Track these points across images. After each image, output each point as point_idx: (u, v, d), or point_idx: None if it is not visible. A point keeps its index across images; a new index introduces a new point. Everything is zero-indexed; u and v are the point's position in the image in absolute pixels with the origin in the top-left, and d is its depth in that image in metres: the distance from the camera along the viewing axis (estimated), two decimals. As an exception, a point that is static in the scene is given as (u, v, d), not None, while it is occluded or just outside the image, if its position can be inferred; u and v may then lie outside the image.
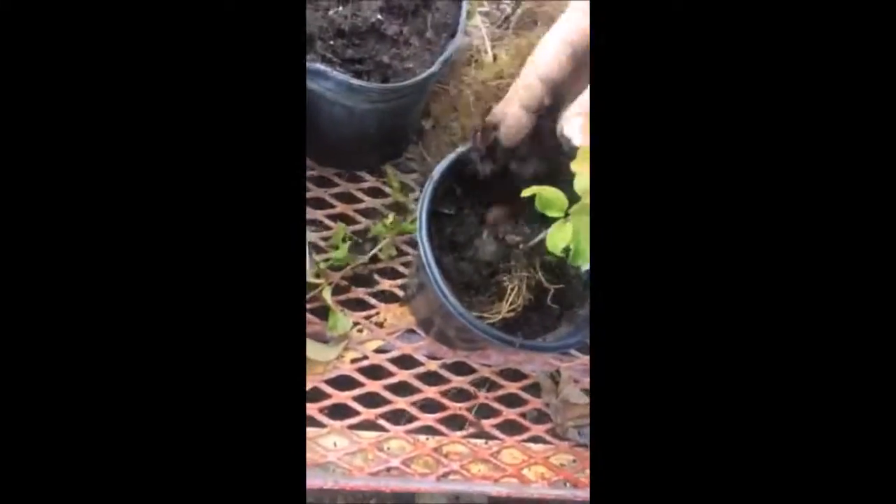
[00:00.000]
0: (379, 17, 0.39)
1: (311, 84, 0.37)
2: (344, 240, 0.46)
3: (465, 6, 0.42)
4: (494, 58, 0.52)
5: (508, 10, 0.61)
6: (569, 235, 0.31)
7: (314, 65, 0.36)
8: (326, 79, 0.37)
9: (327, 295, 0.44)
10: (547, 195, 0.31)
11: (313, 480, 0.40)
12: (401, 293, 0.48)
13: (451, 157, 0.36)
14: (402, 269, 0.49)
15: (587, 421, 0.46)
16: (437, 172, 0.36)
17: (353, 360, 0.45)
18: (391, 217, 0.48)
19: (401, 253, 0.49)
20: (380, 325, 0.47)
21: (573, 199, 0.29)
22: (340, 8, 0.40)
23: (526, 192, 0.31)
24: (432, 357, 0.47)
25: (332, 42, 0.39)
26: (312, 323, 0.45)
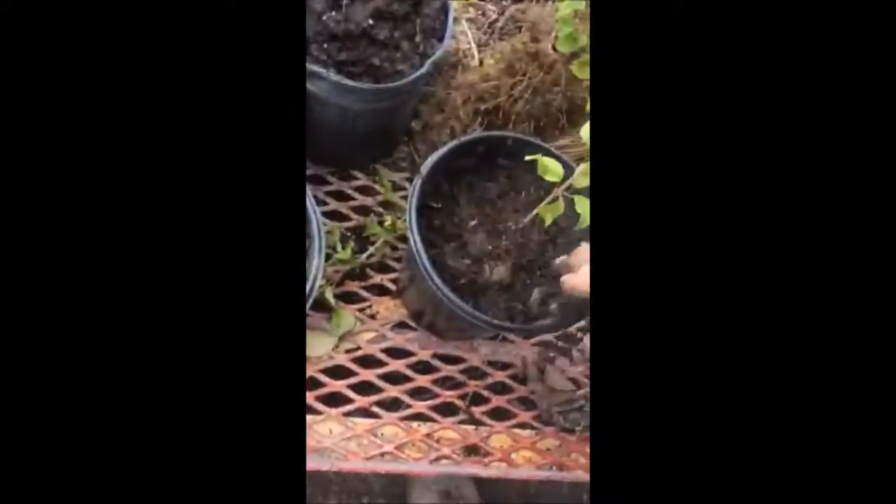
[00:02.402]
0: (370, 22, 0.42)
1: (309, 85, 0.40)
2: (343, 240, 0.48)
3: (451, 13, 0.44)
4: (480, 62, 0.55)
5: (494, 15, 0.64)
6: (560, 209, 0.36)
7: (309, 66, 0.38)
8: (321, 79, 0.39)
9: (329, 295, 0.46)
10: (546, 162, 0.34)
11: (310, 464, 0.41)
12: (392, 287, 0.50)
13: (437, 154, 0.39)
14: (393, 263, 0.51)
15: (571, 406, 0.48)
16: (424, 169, 0.38)
17: (348, 351, 0.47)
18: (389, 219, 0.50)
19: (392, 248, 0.51)
20: (373, 317, 0.49)
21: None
22: (333, 13, 0.42)
23: (528, 158, 0.34)
24: (424, 348, 0.49)
25: (325, 45, 0.41)
26: (308, 315, 0.46)
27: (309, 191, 0.50)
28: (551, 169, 0.34)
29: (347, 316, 0.47)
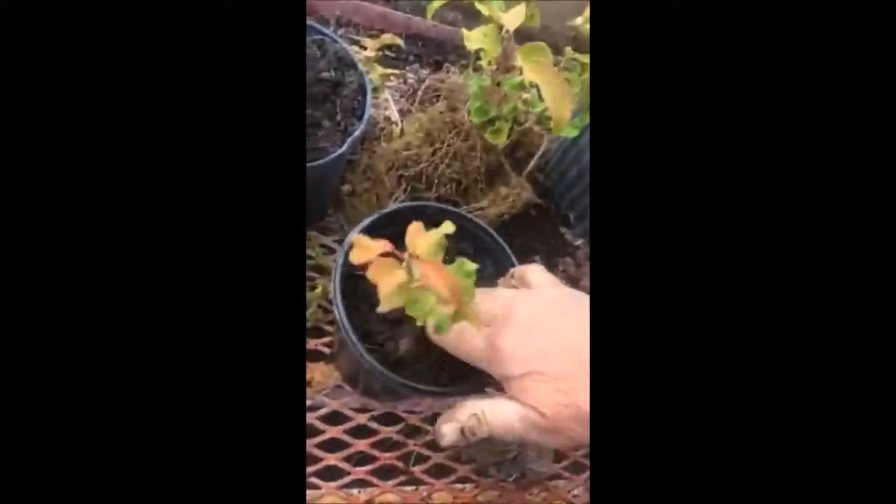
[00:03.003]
0: (291, 104, 0.44)
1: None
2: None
3: (370, 92, 0.47)
4: (402, 131, 0.58)
5: (414, 82, 0.69)
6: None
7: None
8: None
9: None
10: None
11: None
12: (326, 350, 0.50)
13: (360, 225, 0.41)
14: (327, 327, 0.51)
15: (504, 457, 0.49)
16: (347, 241, 0.40)
17: (282, 422, 0.47)
18: (319, 287, 0.51)
19: (326, 311, 0.52)
20: (308, 383, 0.49)
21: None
22: (255, 97, 0.44)
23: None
24: (360, 410, 0.49)
25: (247, 128, 0.43)
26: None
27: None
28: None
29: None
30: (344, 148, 0.44)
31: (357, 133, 0.45)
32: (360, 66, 0.48)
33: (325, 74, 0.46)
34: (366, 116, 0.46)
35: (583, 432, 0.31)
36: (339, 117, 0.46)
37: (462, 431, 0.34)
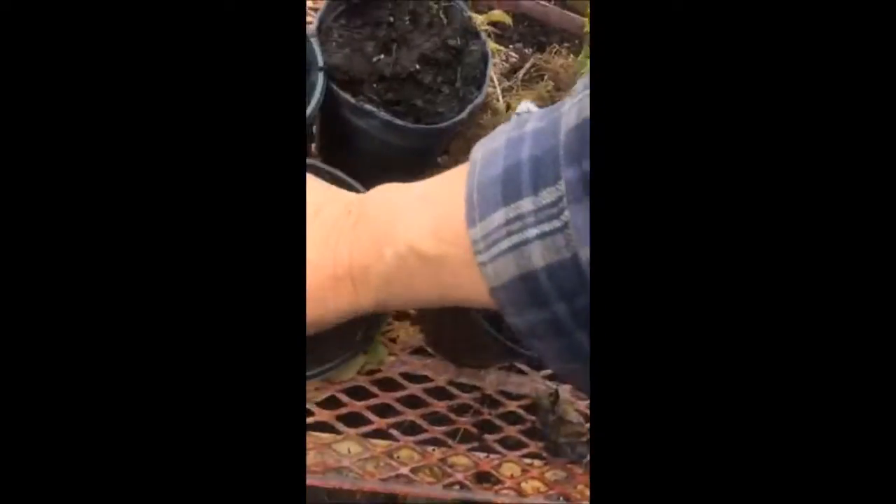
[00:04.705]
0: (416, 66, 0.45)
1: (359, 121, 0.43)
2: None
3: (490, 64, 0.48)
4: (507, 106, 0.58)
5: (516, 61, 0.69)
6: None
7: (363, 105, 0.42)
8: (373, 118, 0.42)
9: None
10: None
11: (330, 482, 0.42)
12: (412, 312, 0.52)
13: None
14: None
15: (580, 439, 0.50)
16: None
17: (369, 373, 0.49)
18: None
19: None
20: (393, 340, 0.51)
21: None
22: (383, 56, 0.45)
23: None
24: (440, 374, 0.51)
25: (375, 85, 0.44)
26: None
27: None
28: None
29: (382, 349, 0.48)
30: (464, 114, 0.44)
31: (477, 101, 0.45)
32: (483, 37, 0.49)
33: (451, 42, 0.46)
34: (485, 86, 0.47)
35: None
36: (458, 84, 0.47)
37: None
